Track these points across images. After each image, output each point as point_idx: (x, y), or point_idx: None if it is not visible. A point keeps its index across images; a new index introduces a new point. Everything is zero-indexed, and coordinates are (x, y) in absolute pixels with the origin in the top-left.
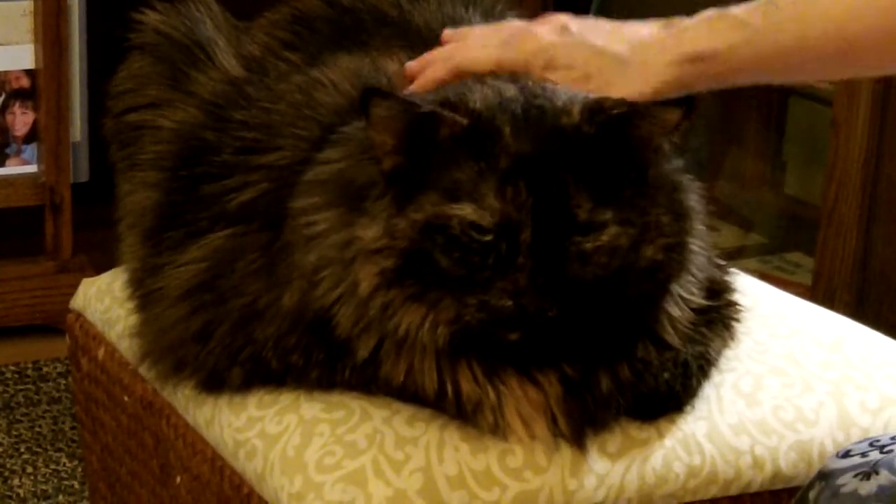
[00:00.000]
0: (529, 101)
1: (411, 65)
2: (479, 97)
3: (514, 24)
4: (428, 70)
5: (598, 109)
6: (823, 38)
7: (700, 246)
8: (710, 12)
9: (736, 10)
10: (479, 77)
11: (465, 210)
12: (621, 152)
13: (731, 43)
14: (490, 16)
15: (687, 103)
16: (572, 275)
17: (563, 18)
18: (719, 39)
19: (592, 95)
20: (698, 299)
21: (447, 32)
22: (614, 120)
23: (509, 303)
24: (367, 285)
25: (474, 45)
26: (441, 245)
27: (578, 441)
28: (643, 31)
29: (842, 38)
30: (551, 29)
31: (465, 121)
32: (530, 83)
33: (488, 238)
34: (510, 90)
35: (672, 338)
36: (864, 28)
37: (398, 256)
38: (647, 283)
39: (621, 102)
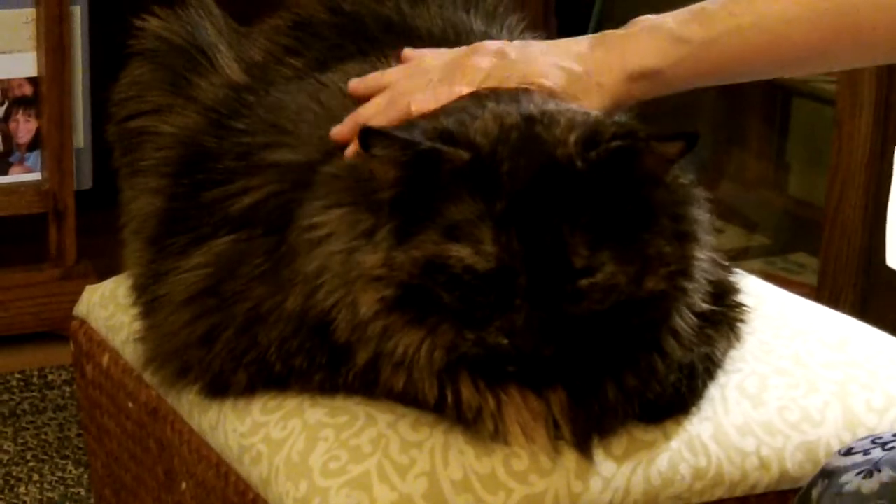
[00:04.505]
0: (529, 129)
1: (355, 87)
2: (479, 127)
3: (453, 54)
4: (378, 118)
5: (595, 141)
6: (761, 49)
7: (705, 253)
8: (643, 23)
9: (670, 23)
10: (478, 99)
11: (464, 252)
12: (620, 186)
13: (672, 61)
14: (492, 19)
15: (688, 137)
16: (569, 314)
17: (493, 44)
18: (660, 57)
19: (593, 117)
20: (703, 305)
21: (407, 52)
22: (613, 153)
23: (505, 341)
24: (367, 310)
25: (420, 83)
26: (441, 282)
27: (584, 448)
28: (580, 47)
29: (778, 48)
30: (487, 56)
31: (466, 155)
32: (532, 106)
33: (487, 279)
34: (511, 116)
35: (675, 350)
36: (800, 35)
37: (398, 287)
38: (651, 311)
39: (620, 134)
